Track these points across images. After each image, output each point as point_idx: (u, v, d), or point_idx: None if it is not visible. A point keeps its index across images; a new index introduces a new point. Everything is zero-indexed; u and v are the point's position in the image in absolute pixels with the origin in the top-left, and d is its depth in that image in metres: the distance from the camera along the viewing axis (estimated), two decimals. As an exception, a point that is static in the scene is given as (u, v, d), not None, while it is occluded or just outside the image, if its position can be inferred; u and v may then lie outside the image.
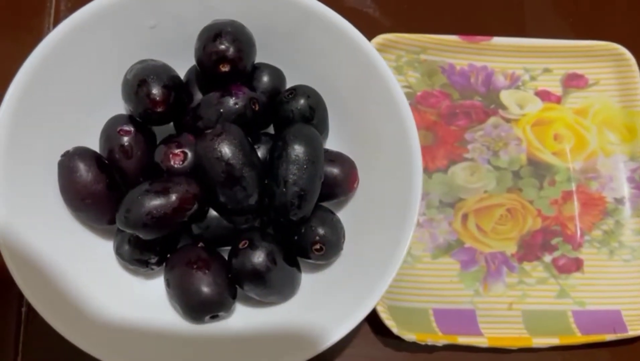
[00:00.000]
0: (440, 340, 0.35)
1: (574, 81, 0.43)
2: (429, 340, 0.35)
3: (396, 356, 0.36)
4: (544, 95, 0.43)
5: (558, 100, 0.43)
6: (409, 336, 0.34)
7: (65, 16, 0.33)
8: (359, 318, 0.31)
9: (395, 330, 0.34)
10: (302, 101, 0.34)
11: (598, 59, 0.43)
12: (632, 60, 0.42)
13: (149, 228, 0.30)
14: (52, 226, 0.32)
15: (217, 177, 0.31)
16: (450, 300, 0.37)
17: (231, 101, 0.33)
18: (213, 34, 0.33)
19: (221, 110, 0.33)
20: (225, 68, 0.33)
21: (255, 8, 0.35)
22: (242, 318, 0.34)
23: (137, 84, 0.32)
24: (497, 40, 0.42)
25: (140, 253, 0.33)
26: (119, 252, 0.33)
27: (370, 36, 0.40)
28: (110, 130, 0.34)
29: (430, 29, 0.42)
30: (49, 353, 0.35)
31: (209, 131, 0.31)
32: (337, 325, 0.31)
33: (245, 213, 0.32)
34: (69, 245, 0.33)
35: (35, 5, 0.41)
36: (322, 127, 0.35)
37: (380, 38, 0.40)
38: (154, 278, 0.35)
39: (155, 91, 0.32)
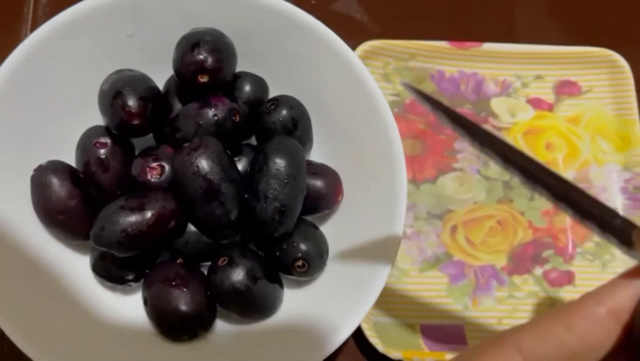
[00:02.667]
0: (427, 357, 0.34)
1: (566, 88, 0.42)
2: (415, 358, 0.34)
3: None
4: (535, 103, 0.42)
5: (550, 108, 0.42)
6: (395, 354, 0.33)
7: (44, 22, 0.32)
8: (341, 339, 0.30)
9: (380, 347, 0.33)
10: (284, 112, 0.33)
11: (591, 65, 0.42)
12: (627, 67, 0.41)
13: (123, 246, 0.29)
14: (26, 241, 0.31)
15: (195, 192, 0.30)
16: (438, 315, 0.36)
17: (210, 113, 0.32)
18: (191, 43, 0.32)
19: (200, 122, 0.32)
20: (203, 79, 0.32)
21: (236, 16, 0.34)
22: (225, 333, 0.33)
23: (112, 95, 0.31)
24: (488, 46, 0.41)
25: (117, 270, 0.32)
26: (95, 268, 0.32)
27: (358, 41, 0.39)
28: (87, 142, 0.33)
29: (420, 34, 0.41)
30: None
31: (186, 145, 0.30)
32: (321, 346, 0.30)
33: (225, 229, 0.31)
34: (44, 261, 0.32)
35: (12, 11, 0.40)
36: (305, 139, 0.34)
37: (367, 45, 0.39)
38: (133, 295, 0.34)
39: (131, 103, 0.31)
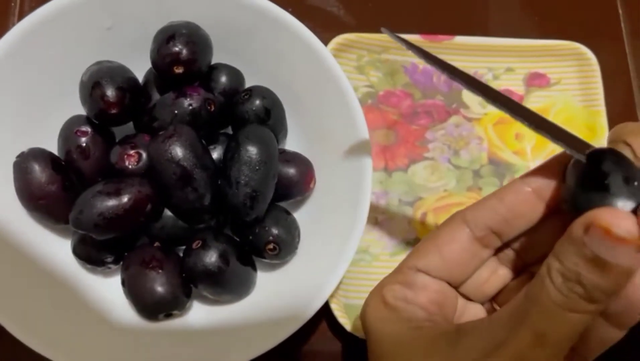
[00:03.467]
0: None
1: (536, 80, 0.43)
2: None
3: (353, 353, 0.37)
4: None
5: (520, 99, 0.43)
6: (362, 334, 0.35)
7: (29, 16, 0.33)
8: (310, 314, 0.31)
9: (348, 327, 0.35)
10: (257, 102, 0.35)
11: (560, 58, 0.43)
12: (594, 59, 0.42)
13: (100, 229, 0.31)
14: (9, 226, 0.33)
15: (169, 178, 0.31)
16: (407, 298, 0.38)
17: (185, 102, 0.33)
18: (167, 36, 0.33)
19: (175, 112, 0.33)
20: (179, 70, 0.33)
21: (213, 9, 0.35)
22: (201, 314, 0.35)
23: (91, 85, 0.32)
24: (460, 39, 0.42)
25: (96, 253, 0.33)
26: (75, 251, 0.34)
27: (333, 34, 0.40)
28: (68, 131, 0.34)
29: (396, 27, 0.42)
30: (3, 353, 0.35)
31: (161, 133, 0.32)
32: (291, 322, 0.31)
33: (198, 214, 0.32)
34: (26, 245, 0.33)
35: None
36: (278, 128, 0.36)
37: (341, 38, 0.40)
38: (112, 277, 0.35)
39: (109, 93, 0.32)
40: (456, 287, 0.28)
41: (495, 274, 0.28)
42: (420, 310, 0.26)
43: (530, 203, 0.25)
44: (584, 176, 0.22)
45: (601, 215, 0.19)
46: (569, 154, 0.23)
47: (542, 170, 0.25)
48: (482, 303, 0.29)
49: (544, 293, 0.21)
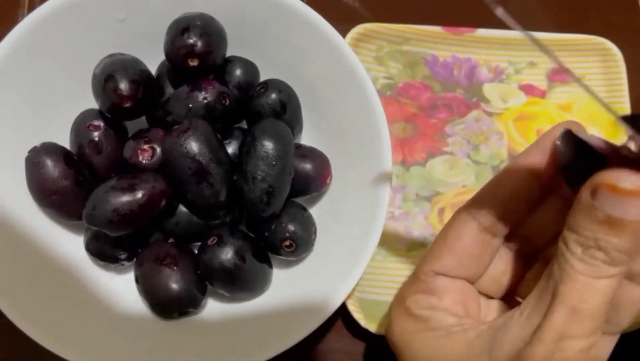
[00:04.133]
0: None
1: (559, 75, 0.42)
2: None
3: (368, 350, 0.36)
4: (528, 89, 0.42)
5: (542, 94, 0.42)
6: (377, 329, 0.34)
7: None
8: (327, 315, 0.31)
9: (362, 322, 0.34)
10: (273, 95, 0.34)
11: (584, 53, 0.41)
12: (619, 55, 0.41)
13: (114, 225, 0.30)
14: (22, 221, 0.32)
15: (184, 173, 0.30)
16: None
17: (200, 96, 0.32)
18: (181, 27, 0.32)
19: (190, 105, 0.32)
20: (193, 62, 0.32)
21: (226, 1, 0.34)
22: (216, 311, 0.34)
23: (104, 78, 0.32)
24: (482, 32, 0.41)
25: (110, 249, 0.33)
26: (88, 247, 0.33)
27: (349, 27, 0.39)
28: (80, 125, 0.33)
29: (411, 19, 0.41)
30: (16, 352, 0.35)
31: (175, 127, 0.31)
32: (307, 322, 0.31)
33: (214, 209, 0.32)
34: (39, 241, 0.33)
35: (9, -2, 0.40)
36: (294, 122, 0.35)
37: (361, 28, 0.39)
38: (126, 273, 0.35)
39: (123, 86, 0.31)
40: (474, 282, 0.28)
41: (511, 265, 0.28)
42: (448, 315, 0.26)
43: (528, 181, 0.25)
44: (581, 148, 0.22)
45: (606, 175, 0.19)
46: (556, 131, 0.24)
47: (533, 149, 0.25)
48: (503, 299, 0.29)
49: (567, 267, 0.21)
